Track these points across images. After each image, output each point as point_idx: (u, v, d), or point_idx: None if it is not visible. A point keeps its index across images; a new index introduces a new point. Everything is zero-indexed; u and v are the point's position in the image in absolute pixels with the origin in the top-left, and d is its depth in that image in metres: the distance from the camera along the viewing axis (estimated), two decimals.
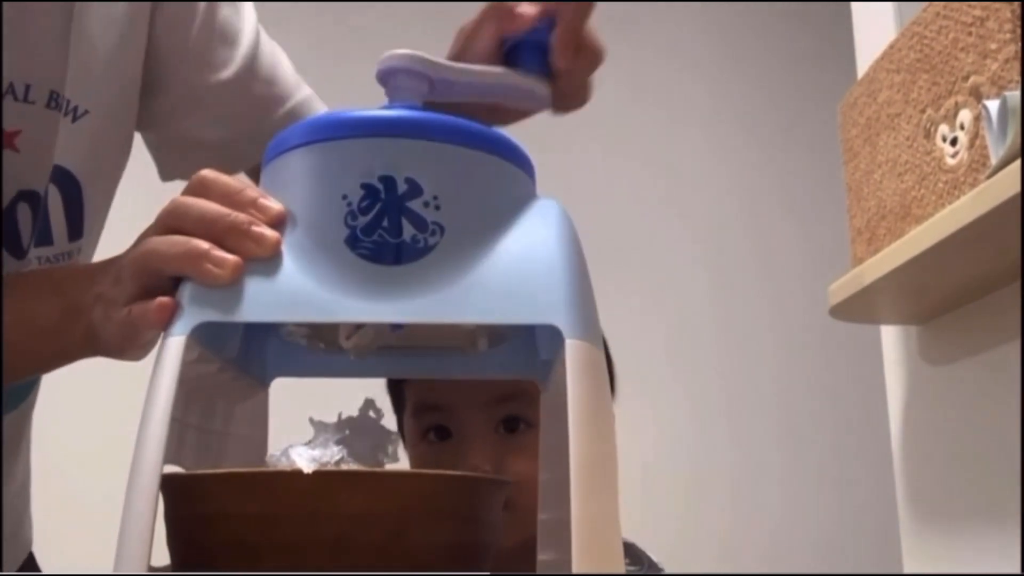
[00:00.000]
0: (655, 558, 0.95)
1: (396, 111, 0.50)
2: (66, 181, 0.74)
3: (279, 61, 0.85)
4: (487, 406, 0.81)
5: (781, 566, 2.32)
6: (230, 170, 0.82)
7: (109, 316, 0.52)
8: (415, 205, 0.47)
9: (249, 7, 0.85)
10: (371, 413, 0.52)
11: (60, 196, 0.74)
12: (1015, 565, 0.90)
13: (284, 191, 0.49)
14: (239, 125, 0.82)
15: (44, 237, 0.74)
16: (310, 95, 0.85)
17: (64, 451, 2.20)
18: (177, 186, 0.90)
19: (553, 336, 0.46)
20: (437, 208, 0.47)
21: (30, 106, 0.70)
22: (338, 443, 0.49)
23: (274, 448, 0.49)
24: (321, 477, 0.45)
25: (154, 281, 0.50)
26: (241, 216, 0.48)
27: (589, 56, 0.62)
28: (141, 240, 0.52)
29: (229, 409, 0.57)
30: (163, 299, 0.47)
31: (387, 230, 0.47)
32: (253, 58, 0.82)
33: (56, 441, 2.18)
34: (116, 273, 0.53)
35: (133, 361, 0.55)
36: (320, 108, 0.84)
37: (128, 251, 0.53)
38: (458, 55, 0.64)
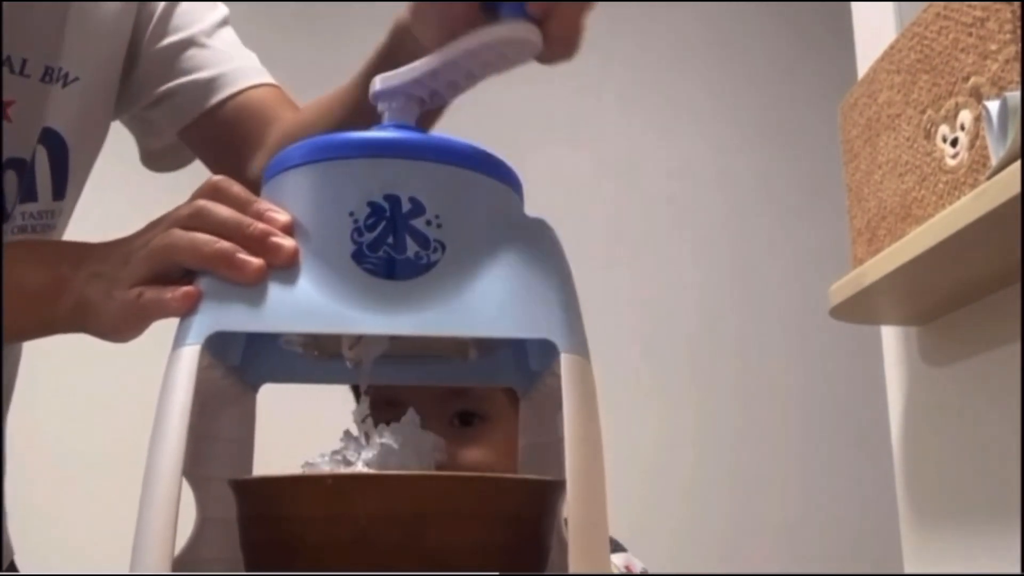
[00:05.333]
0: (642, 564, 0.97)
1: (399, 133, 0.53)
2: (55, 142, 0.77)
3: (239, 45, 0.89)
4: (441, 401, 0.86)
5: (781, 566, 2.32)
6: (186, 117, 0.85)
7: (111, 295, 0.53)
8: (418, 223, 0.50)
9: (223, 7, 0.90)
10: (412, 420, 0.55)
11: (47, 156, 0.77)
12: (1015, 565, 0.90)
13: (289, 206, 0.51)
14: (191, 75, 0.84)
15: (30, 193, 0.77)
16: (260, 68, 0.88)
17: (42, 460, 2.21)
18: (163, 185, 0.92)
19: (544, 349, 0.49)
20: (439, 226, 0.50)
21: (25, 79, 0.74)
22: (383, 448, 0.51)
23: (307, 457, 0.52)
24: (346, 480, 0.47)
25: (165, 271, 0.51)
26: (260, 226, 0.50)
27: None
28: (150, 231, 0.54)
29: (220, 413, 0.57)
30: (189, 288, 0.49)
31: (392, 246, 0.49)
32: (216, 26, 0.87)
33: (34, 450, 2.18)
34: (124, 256, 0.54)
35: (120, 343, 0.55)
36: (262, 78, 0.87)
37: (138, 238, 0.55)
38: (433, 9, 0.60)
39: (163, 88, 0.84)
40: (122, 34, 0.82)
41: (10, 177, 0.74)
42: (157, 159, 0.90)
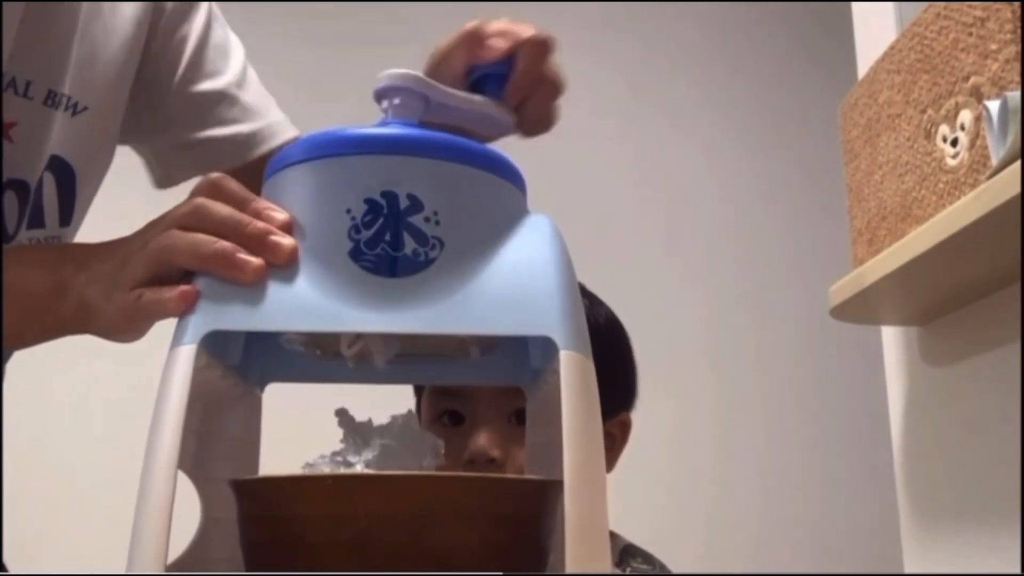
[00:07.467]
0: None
1: (398, 129, 0.52)
2: (63, 170, 0.78)
3: (261, 87, 0.93)
4: (501, 396, 0.86)
5: (781, 566, 2.32)
6: (220, 168, 0.85)
7: (110, 297, 0.53)
8: (416, 220, 0.49)
9: (234, 35, 0.93)
10: (411, 422, 0.55)
11: (55, 183, 0.78)
12: (1015, 565, 0.90)
13: (288, 204, 0.51)
14: (229, 128, 0.87)
15: (37, 219, 0.77)
16: (286, 120, 0.92)
17: (40, 460, 2.21)
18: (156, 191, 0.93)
19: (545, 346, 0.49)
20: (437, 223, 0.49)
21: (28, 101, 0.74)
22: (383, 449, 0.51)
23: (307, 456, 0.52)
24: (347, 480, 0.47)
25: (165, 272, 0.51)
26: (260, 224, 0.50)
27: (548, 88, 0.65)
28: (149, 232, 0.54)
29: (225, 413, 0.57)
30: (186, 287, 0.49)
31: (389, 244, 0.49)
32: (243, 72, 0.90)
33: (31, 450, 2.18)
34: (123, 257, 0.54)
35: (124, 343, 0.56)
36: (293, 132, 0.91)
37: (137, 238, 0.55)
38: (429, 75, 0.66)
39: (198, 135, 0.86)
40: (131, 64, 0.82)
41: (10, 198, 0.74)
42: (171, 183, 0.91)
